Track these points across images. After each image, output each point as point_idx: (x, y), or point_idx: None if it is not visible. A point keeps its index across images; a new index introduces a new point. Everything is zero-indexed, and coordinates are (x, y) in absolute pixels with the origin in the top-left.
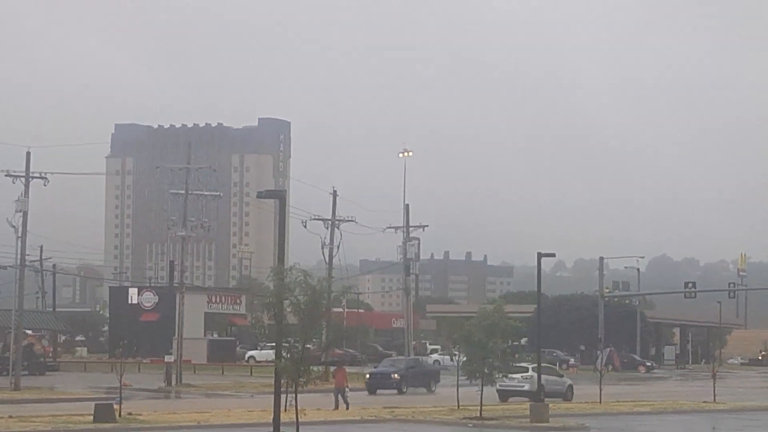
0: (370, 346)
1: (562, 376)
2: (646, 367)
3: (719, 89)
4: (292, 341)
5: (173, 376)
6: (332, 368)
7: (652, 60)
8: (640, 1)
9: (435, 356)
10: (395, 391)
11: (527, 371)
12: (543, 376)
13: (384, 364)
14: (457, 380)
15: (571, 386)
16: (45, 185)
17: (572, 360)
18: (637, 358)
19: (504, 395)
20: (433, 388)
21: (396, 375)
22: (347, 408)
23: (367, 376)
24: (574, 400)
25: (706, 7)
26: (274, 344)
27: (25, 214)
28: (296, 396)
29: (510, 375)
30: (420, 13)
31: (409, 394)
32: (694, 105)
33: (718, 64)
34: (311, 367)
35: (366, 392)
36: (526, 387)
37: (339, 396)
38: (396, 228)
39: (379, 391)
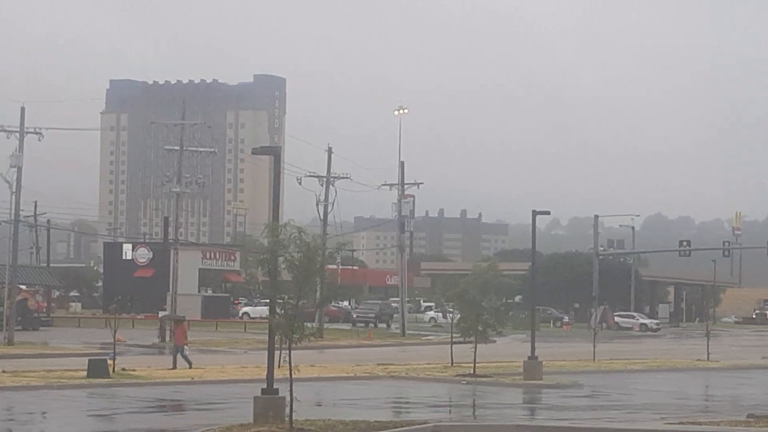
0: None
1: None
2: (640, 326)
3: (717, 45)
4: (286, 298)
5: (167, 332)
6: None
7: (648, 21)
8: None
9: (430, 314)
10: None
11: None
12: None
13: None
14: (451, 337)
15: None
16: (40, 140)
17: (566, 318)
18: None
19: None
20: None
21: None
22: (189, 366)
23: None
24: (568, 358)
25: None
26: (268, 300)
27: (19, 170)
28: (290, 352)
29: None
30: None
31: None
32: (689, 65)
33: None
34: (305, 324)
35: None
36: None
37: (179, 354)
38: (391, 185)
39: None
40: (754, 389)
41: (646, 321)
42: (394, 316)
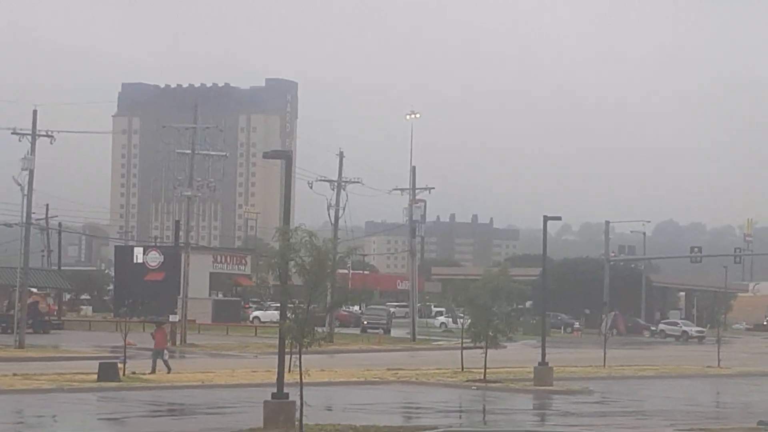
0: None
1: None
2: (651, 332)
3: (726, 52)
4: (297, 302)
5: (178, 336)
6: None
7: (651, 27)
8: None
9: (441, 318)
10: None
11: None
12: None
13: None
14: (461, 342)
15: None
16: (51, 143)
17: (577, 324)
18: (642, 322)
19: None
20: None
21: None
22: (168, 371)
23: None
24: (578, 364)
25: None
26: (278, 305)
27: (31, 173)
28: (300, 357)
29: None
30: None
31: None
32: (701, 71)
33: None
34: (315, 329)
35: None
36: None
37: (158, 359)
38: (402, 190)
39: None
40: (765, 396)
41: (688, 329)
42: (393, 321)
